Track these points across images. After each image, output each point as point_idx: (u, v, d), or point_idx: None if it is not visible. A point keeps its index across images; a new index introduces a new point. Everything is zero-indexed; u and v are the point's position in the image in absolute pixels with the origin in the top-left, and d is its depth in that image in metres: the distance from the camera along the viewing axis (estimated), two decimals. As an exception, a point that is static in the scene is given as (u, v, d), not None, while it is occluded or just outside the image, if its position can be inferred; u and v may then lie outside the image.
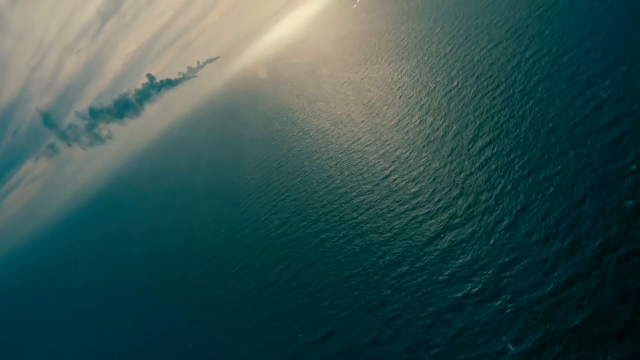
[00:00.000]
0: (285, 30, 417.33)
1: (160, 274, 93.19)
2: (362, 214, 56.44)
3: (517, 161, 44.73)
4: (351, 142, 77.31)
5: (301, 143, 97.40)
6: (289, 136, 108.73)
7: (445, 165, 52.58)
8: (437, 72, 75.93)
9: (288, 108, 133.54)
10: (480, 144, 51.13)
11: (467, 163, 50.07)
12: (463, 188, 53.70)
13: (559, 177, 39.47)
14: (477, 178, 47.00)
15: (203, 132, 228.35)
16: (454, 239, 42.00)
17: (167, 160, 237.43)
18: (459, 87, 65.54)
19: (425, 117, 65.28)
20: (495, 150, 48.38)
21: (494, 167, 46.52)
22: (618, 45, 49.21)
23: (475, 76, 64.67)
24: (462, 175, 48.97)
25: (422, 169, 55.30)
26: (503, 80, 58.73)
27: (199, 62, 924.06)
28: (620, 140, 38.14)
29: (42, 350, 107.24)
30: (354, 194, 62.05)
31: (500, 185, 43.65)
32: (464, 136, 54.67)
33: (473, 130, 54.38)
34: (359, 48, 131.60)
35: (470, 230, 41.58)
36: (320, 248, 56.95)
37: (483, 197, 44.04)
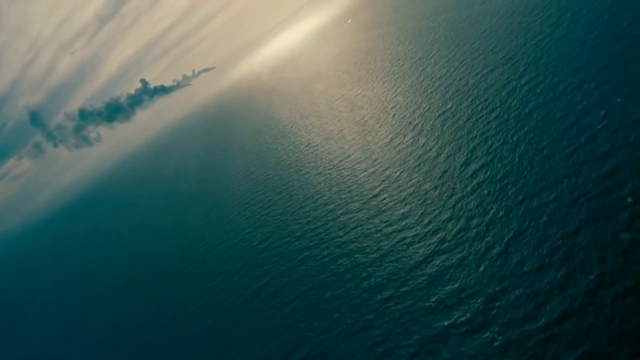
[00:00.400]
0: (281, 44, 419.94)
1: (135, 285, 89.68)
2: (348, 232, 54.63)
3: (510, 187, 43.57)
4: (341, 159, 75.92)
5: (290, 156, 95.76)
6: (278, 149, 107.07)
7: (436, 187, 51.27)
8: (431, 93, 75.42)
9: (279, 120, 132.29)
10: (472, 167, 50.01)
11: (458, 186, 48.81)
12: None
13: (552, 206, 38.27)
14: (468, 202, 45.68)
15: (192, 140, 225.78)
16: (442, 264, 40.32)
17: (154, 166, 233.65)
18: (453, 109, 64.86)
19: (417, 137, 64.27)
20: (487, 175, 47.24)
21: (485, 191, 45.30)
22: (613, 77, 48.92)
23: (470, 99, 64.10)
24: (453, 198, 47.63)
25: (412, 189, 53.91)
26: (497, 105, 58.14)
27: (194, 71, 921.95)
28: (615, 171, 37.20)
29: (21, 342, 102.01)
30: (340, 212, 60.30)
31: (492, 211, 42.33)
32: (456, 159, 53.57)
33: (465, 153, 53.34)
34: (354, 66, 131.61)
35: (459, 256, 39.98)
36: (302, 266, 54.81)
37: (474, 222, 42.62)
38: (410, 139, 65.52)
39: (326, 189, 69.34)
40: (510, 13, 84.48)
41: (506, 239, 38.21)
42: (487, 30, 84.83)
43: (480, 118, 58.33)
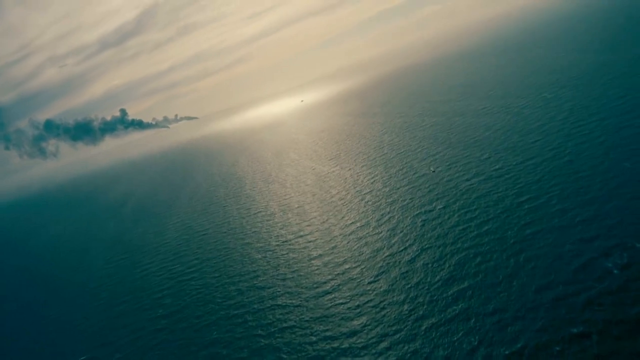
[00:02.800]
0: (268, 110, 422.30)
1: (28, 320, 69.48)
2: (277, 336, 40.64)
3: (491, 317, 31.98)
4: (294, 236, 63.62)
5: (236, 220, 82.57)
6: (227, 208, 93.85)
7: (403, 301, 39.11)
8: (412, 189, 66.30)
9: (240, 180, 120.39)
10: (453, 290, 38.58)
11: (423, 299, 36.85)
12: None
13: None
14: (436, 328, 33.50)
15: (146, 178, 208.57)
16: None
17: (95, 195, 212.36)
18: (436, 212, 55.22)
19: (388, 233, 53.35)
20: (471, 302, 35.76)
21: (471, 321, 33.45)
22: (611, 213, 40.68)
23: (457, 205, 54.85)
24: (418, 320, 35.40)
25: (370, 296, 41.51)
26: (488, 218, 48.76)
27: (176, 116, 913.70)
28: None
29: None
30: (277, 303, 46.57)
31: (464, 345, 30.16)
32: (435, 272, 42.29)
33: (446, 268, 42.27)
34: (335, 144, 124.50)
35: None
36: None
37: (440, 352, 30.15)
38: (379, 232, 54.48)
39: (266, 269, 55.91)
40: (506, 130, 79.68)
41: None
42: (480, 140, 79.05)
43: (468, 229, 48.50)
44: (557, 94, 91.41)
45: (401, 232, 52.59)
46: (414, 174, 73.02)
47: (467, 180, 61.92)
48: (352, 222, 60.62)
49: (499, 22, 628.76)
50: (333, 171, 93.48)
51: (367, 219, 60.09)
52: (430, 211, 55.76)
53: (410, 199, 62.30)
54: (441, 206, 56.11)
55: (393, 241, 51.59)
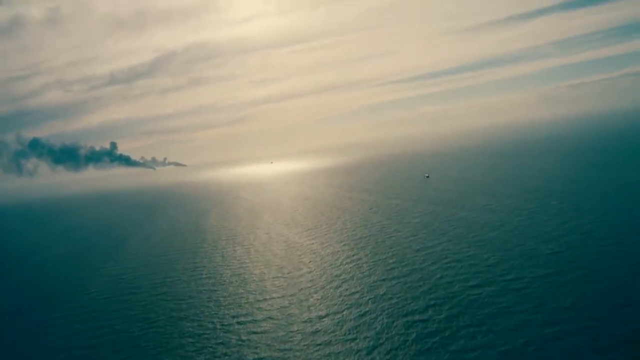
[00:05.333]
0: (257, 169, 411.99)
1: None
2: None
3: None
4: (238, 322, 48.13)
5: (179, 282, 66.60)
6: (176, 263, 77.77)
7: None
8: (404, 286, 52.35)
9: (203, 233, 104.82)
10: None
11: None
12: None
13: None
14: None
15: (107, 212, 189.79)
16: None
17: (42, 221, 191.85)
18: (418, 314, 41.09)
19: (361, 343, 38.44)
20: None
21: None
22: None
23: (446, 309, 40.83)
24: None
25: None
26: (479, 330, 34.65)
27: (165, 159, 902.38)
28: None
29: None
30: None
31: None
32: None
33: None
34: (317, 213, 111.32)
35: None
36: None
37: None
38: (352, 340, 39.56)
39: (203, 350, 39.87)
40: (518, 233, 67.87)
41: None
42: (486, 240, 66.70)
43: (457, 338, 34.28)
44: (575, 205, 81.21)
45: (383, 346, 37.77)
46: (405, 265, 59.42)
47: (473, 287, 48.38)
48: (320, 318, 45.71)
49: (495, 130, 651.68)
50: (309, 244, 79.30)
51: (339, 317, 45.32)
52: (424, 321, 41.44)
53: (398, 298, 48.07)
54: (440, 316, 41.93)
55: (359, 345, 36.88)
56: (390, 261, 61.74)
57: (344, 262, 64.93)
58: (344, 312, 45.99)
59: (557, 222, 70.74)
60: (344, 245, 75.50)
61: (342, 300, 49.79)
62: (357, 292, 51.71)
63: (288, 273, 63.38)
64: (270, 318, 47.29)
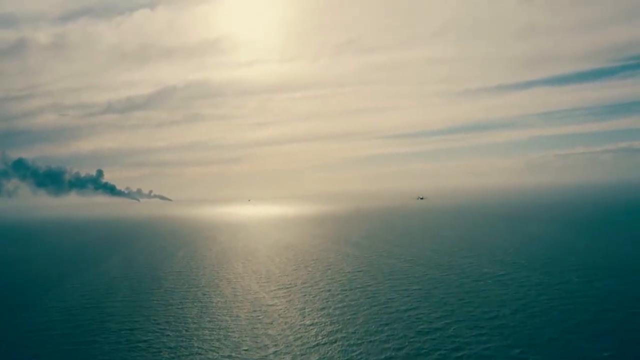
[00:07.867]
0: (241, 211, 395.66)
1: None
2: None
3: None
4: None
5: (113, 336, 51.38)
6: (111, 317, 62.31)
7: None
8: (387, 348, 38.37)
9: (158, 279, 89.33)
10: None
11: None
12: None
13: None
14: None
15: (76, 241, 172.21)
16: None
17: (9, 245, 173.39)
18: None
19: None
20: None
21: None
22: None
23: None
24: None
25: None
26: None
27: (150, 192, 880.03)
28: None
29: None
30: None
31: None
32: None
33: None
34: (294, 267, 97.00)
35: None
36: None
37: None
38: None
39: None
40: (540, 317, 54.70)
41: None
42: (499, 319, 53.32)
43: None
44: (602, 284, 68.71)
45: None
46: (395, 345, 45.44)
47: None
48: None
49: (487, 192, 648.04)
50: (280, 308, 64.73)
51: None
52: None
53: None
54: None
55: None
56: (386, 346, 47.36)
57: (319, 336, 50.73)
58: None
59: (587, 305, 57.84)
60: (321, 311, 61.32)
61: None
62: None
63: (249, 347, 48.82)
64: None
